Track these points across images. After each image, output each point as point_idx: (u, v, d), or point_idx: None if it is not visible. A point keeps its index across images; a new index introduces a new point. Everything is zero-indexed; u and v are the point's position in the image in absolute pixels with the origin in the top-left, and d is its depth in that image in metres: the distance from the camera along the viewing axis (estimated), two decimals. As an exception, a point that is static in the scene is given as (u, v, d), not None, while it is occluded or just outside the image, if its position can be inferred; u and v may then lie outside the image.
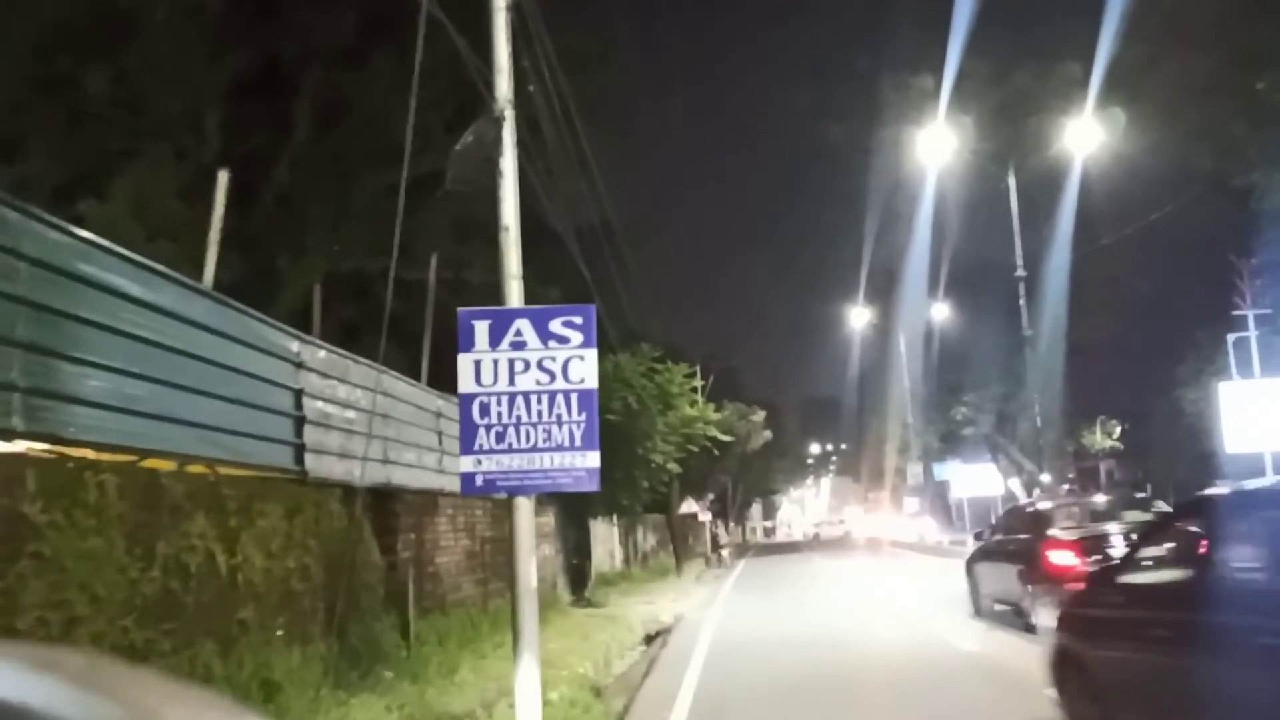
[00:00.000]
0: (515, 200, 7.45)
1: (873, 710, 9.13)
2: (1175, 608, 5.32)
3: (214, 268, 7.26)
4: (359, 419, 9.36)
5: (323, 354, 9.16)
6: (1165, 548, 6.10)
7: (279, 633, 7.36)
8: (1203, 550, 5.33)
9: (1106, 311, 37.14)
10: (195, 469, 6.76)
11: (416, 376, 12.98)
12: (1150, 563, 6.10)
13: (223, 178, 7.59)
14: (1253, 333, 29.44)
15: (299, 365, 8.34)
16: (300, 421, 8.35)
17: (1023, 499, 52.89)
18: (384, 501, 10.44)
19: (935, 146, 27.82)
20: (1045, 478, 31.03)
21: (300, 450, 8.30)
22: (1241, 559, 4.93)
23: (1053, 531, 13.34)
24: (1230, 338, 29.93)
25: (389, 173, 14.81)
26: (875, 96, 34.74)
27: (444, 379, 10.58)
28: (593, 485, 7.03)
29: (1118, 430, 45.83)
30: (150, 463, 6.19)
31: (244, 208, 20.25)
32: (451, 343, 7.10)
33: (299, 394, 8.31)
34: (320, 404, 8.75)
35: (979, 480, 52.33)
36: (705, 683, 10.62)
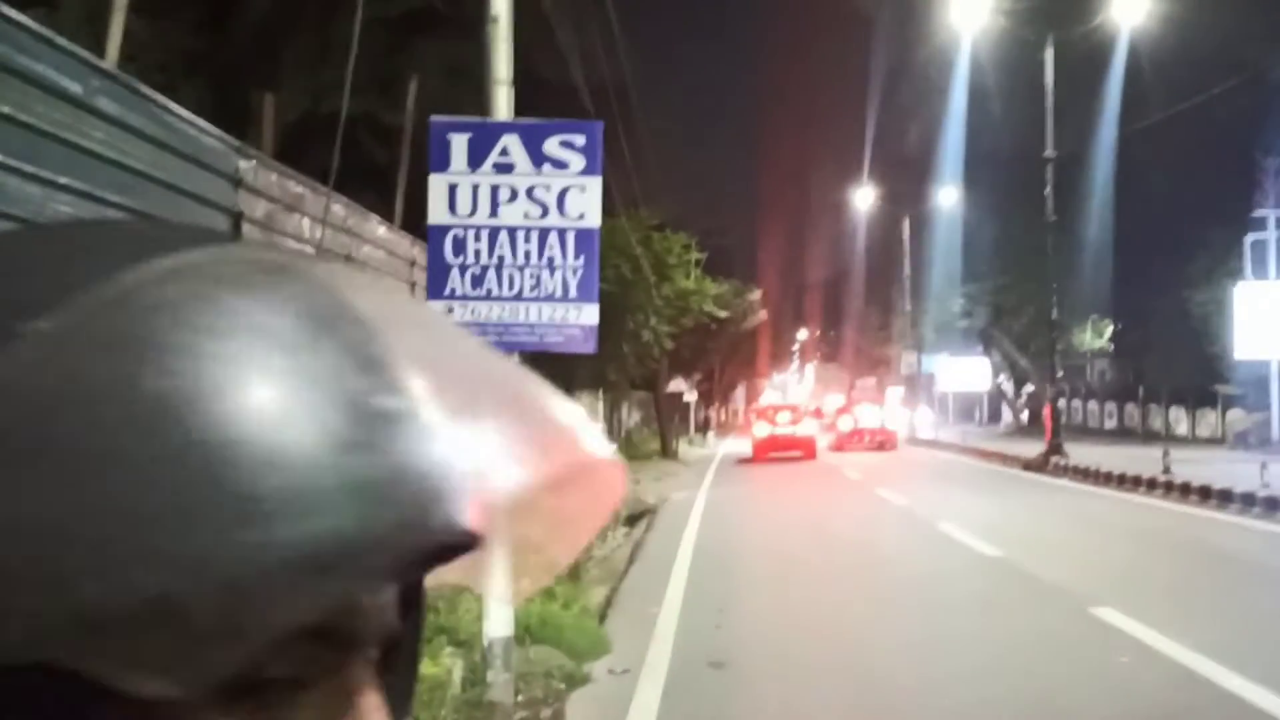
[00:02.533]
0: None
1: (885, 610, 8.12)
2: None
3: (120, 41, 5.77)
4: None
5: (274, 176, 7.74)
6: None
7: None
8: None
9: (1122, 205, 35.84)
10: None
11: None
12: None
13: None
14: (1273, 234, 28.26)
15: (239, 184, 6.93)
16: (240, 253, 6.98)
17: (1012, 395, 52.62)
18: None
19: (966, 13, 25.77)
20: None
21: (239, 287, 6.95)
22: None
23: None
24: (1248, 239, 28.77)
25: (376, 5, 13.28)
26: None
27: (420, 229, 9.30)
28: (589, 346, 5.75)
29: (1109, 330, 44.95)
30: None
31: (216, 34, 18.57)
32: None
33: (238, 218, 6.91)
34: (265, 234, 7.37)
35: (966, 374, 51.64)
36: (695, 577, 9.58)
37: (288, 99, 17.20)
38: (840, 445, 34.84)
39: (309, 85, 17.42)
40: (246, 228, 7.04)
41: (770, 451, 29.59)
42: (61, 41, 4.84)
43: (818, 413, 43.58)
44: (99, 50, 6.10)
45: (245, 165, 7.10)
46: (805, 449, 30.02)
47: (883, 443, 34.67)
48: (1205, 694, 5.46)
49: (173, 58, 16.68)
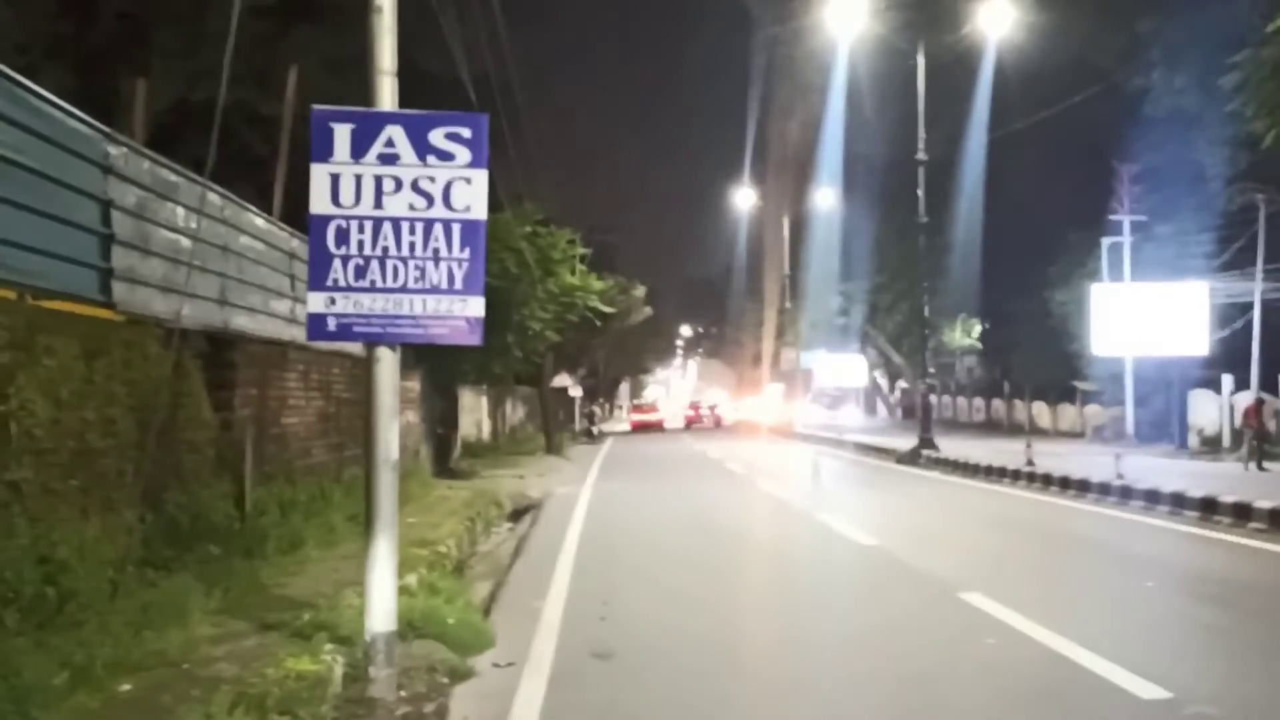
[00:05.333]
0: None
1: (766, 600, 8.31)
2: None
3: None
4: (194, 250, 7.71)
5: (146, 164, 7.47)
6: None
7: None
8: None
9: (989, 208, 37.13)
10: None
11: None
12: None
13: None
14: (1127, 238, 29.69)
15: (108, 171, 6.67)
16: (108, 241, 6.72)
17: (886, 390, 54.12)
18: (221, 350, 8.89)
19: (843, 17, 26.34)
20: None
21: (107, 277, 6.69)
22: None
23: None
24: (1105, 241, 30.15)
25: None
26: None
27: (301, 222, 9.05)
28: (475, 339, 5.70)
29: (977, 329, 46.60)
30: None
31: (81, 18, 17.73)
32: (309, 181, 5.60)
33: (107, 206, 6.66)
34: (137, 223, 7.12)
35: (842, 370, 52.88)
36: (580, 570, 9.60)
37: (159, 86, 16.54)
38: (688, 423, 62.02)
39: (181, 72, 16.81)
40: (117, 216, 6.80)
41: (639, 426, 56.63)
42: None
43: (695, 407, 68.58)
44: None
45: (115, 152, 6.86)
46: (659, 425, 57.68)
47: (718, 420, 63.03)
48: (1066, 672, 5.76)
49: (33, 40, 15.88)
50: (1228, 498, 12.77)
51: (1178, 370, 26.91)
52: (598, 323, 27.02)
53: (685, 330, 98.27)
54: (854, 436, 33.07)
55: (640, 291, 37.55)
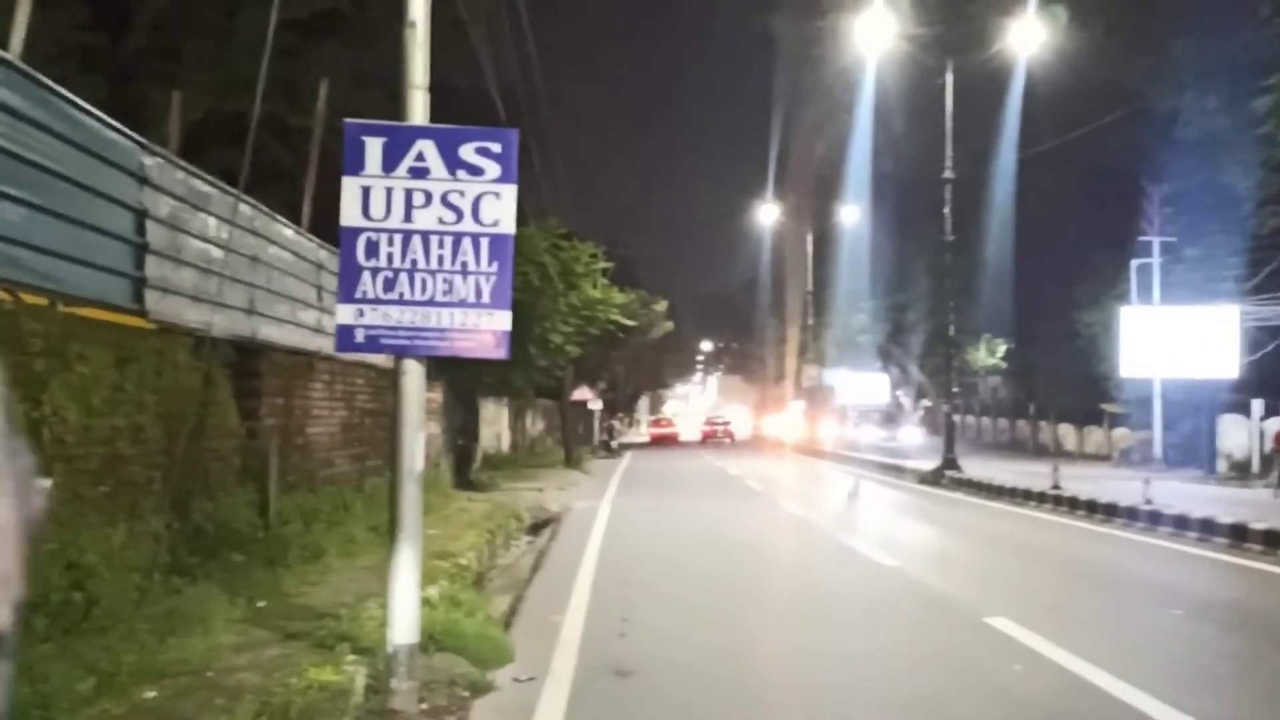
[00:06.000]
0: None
1: (786, 618, 8.26)
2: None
3: (25, 32, 5.57)
4: (224, 260, 7.78)
5: (179, 174, 7.54)
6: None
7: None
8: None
9: (1017, 228, 36.99)
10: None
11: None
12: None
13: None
14: (1156, 260, 29.51)
15: (144, 181, 6.73)
16: (142, 250, 6.78)
17: (909, 409, 53.79)
18: (248, 359, 8.95)
19: (871, 36, 26.32)
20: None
21: (140, 285, 6.75)
22: None
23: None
24: (1134, 263, 29.97)
25: (282, 7, 12.99)
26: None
27: (328, 233, 9.09)
28: (500, 352, 5.71)
29: (1002, 349, 46.39)
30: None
31: (115, 31, 17.96)
32: (339, 194, 5.64)
33: (142, 216, 6.73)
34: (170, 233, 7.19)
35: (864, 387, 52.70)
36: (599, 585, 9.58)
37: (187, 98, 16.72)
38: (704, 437, 63.37)
39: (211, 84, 16.99)
40: (151, 225, 6.86)
41: (657, 438, 61.08)
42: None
43: (711, 423, 69.95)
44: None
45: (150, 162, 6.92)
46: (674, 438, 61.79)
47: (730, 436, 64.14)
48: (1094, 700, 5.69)
49: (66, 52, 16.10)
50: (1258, 525, 12.61)
51: (1207, 394, 26.67)
52: (619, 335, 27.02)
53: (706, 345, 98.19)
54: (875, 455, 32.89)
55: (661, 306, 37.58)
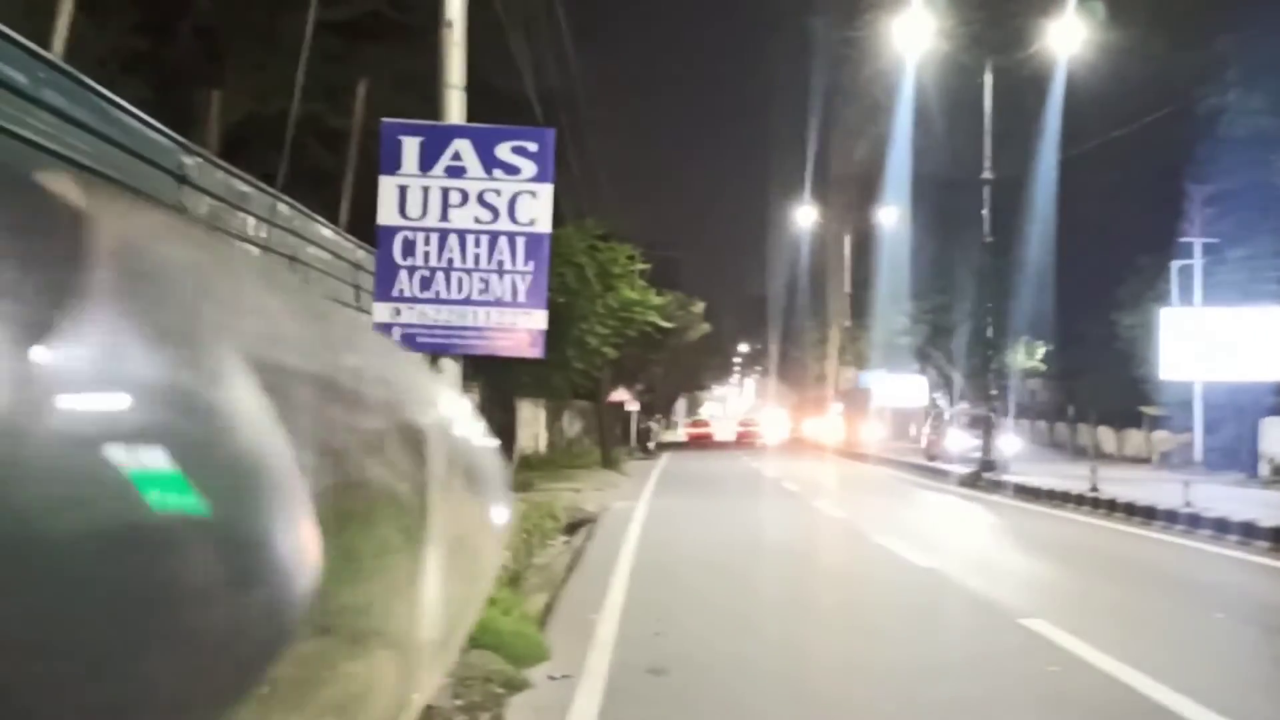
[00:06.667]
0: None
1: (821, 619, 8.22)
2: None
3: (66, 32, 5.67)
4: (263, 259, 7.88)
5: (219, 174, 7.65)
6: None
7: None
8: None
9: (1057, 228, 36.57)
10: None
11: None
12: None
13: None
14: (1198, 260, 29.09)
15: (183, 180, 6.84)
16: (182, 250, 6.88)
17: (948, 413, 53.27)
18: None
19: (910, 36, 26.17)
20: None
21: (179, 285, 6.84)
22: None
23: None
24: (1175, 264, 29.56)
25: (324, 9, 13.15)
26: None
27: (367, 234, 9.21)
28: (536, 351, 5.76)
29: (1041, 351, 45.85)
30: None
31: (159, 34, 18.25)
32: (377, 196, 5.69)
33: (181, 214, 6.83)
34: (211, 232, 7.30)
35: (902, 390, 52.22)
36: (635, 586, 9.59)
37: (231, 99, 16.97)
38: (739, 438, 63.84)
39: (253, 86, 17.22)
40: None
41: (693, 437, 63.16)
42: (9, 32, 4.76)
43: (745, 424, 71.30)
44: (39, 43, 6.01)
45: (190, 162, 7.02)
46: (709, 438, 63.35)
47: (757, 436, 62.52)
48: (1133, 703, 5.63)
49: (111, 54, 16.39)
50: (1301, 529, 12.41)
51: (1250, 397, 26.21)
52: (657, 337, 27.04)
53: (743, 347, 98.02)
54: (914, 457, 32.67)
55: (699, 307, 37.57)
